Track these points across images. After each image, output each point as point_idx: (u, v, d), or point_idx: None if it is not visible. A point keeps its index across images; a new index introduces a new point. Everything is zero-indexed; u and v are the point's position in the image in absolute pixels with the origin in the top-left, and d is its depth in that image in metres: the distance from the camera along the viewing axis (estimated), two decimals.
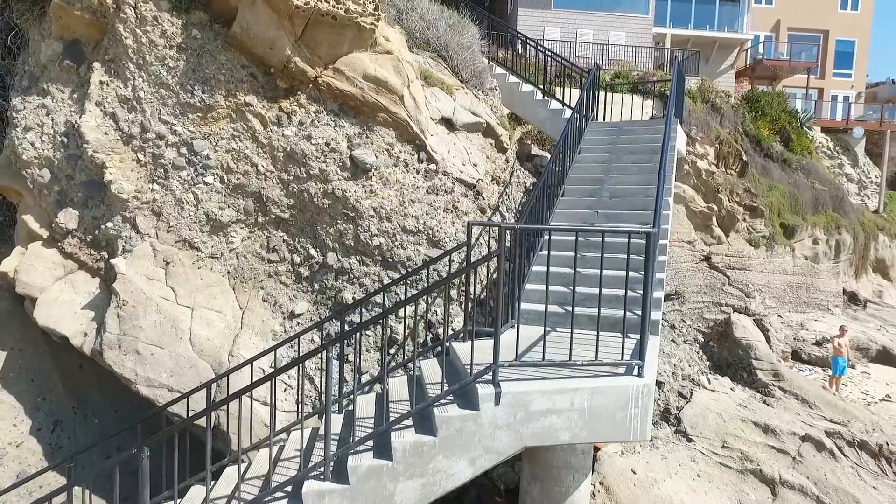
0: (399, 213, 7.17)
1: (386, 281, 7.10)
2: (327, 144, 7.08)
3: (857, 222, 23.59)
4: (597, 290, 6.02)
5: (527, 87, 11.27)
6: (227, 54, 6.94)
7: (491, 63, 11.39)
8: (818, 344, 16.78)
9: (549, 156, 12.53)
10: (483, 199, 8.31)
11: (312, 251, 7.09)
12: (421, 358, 6.00)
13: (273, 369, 5.94)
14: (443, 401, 4.40)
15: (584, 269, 6.71)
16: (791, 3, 28.97)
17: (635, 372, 4.52)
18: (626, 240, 4.79)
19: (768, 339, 17.12)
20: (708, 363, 10.62)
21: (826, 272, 21.46)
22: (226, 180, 6.94)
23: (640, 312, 4.87)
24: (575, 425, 4.24)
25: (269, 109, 7.08)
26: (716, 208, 18.79)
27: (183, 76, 6.85)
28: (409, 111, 7.45)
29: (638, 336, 4.84)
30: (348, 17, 6.94)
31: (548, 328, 5.35)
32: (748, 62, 26.80)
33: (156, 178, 6.81)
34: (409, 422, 4.42)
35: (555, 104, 11.03)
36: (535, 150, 12.73)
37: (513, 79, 11.44)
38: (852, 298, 22.65)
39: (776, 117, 22.71)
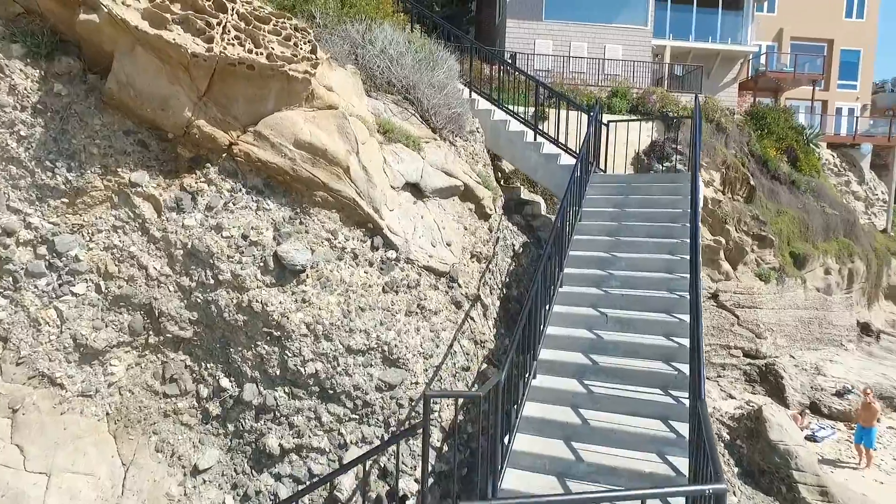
0: (343, 328, 5.34)
1: (325, 418, 5.27)
2: (244, 237, 5.24)
3: (869, 247, 22.03)
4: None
5: (516, 127, 9.44)
6: (103, 117, 5.07)
7: (473, 98, 9.55)
8: (839, 395, 15.21)
9: (541, 201, 10.72)
10: (459, 287, 6.51)
11: (224, 381, 5.24)
12: None
13: None
14: None
15: (597, 388, 4.96)
16: (794, 11, 27.42)
17: None
18: None
19: (783, 390, 15.50)
20: (737, 469, 8.89)
21: (839, 304, 19.89)
22: (103, 289, 5.08)
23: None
24: None
25: (166, 189, 5.22)
26: (723, 241, 17.14)
27: (40, 148, 4.96)
28: (357, 186, 5.63)
29: None
30: (271, 65, 5.10)
31: None
32: (750, 74, 25.20)
33: (2, 291, 4.93)
34: None
35: (549, 147, 9.23)
36: (525, 193, 10.91)
37: (499, 115, 9.61)
38: (865, 329, 21.14)
39: (783, 135, 21.11)
